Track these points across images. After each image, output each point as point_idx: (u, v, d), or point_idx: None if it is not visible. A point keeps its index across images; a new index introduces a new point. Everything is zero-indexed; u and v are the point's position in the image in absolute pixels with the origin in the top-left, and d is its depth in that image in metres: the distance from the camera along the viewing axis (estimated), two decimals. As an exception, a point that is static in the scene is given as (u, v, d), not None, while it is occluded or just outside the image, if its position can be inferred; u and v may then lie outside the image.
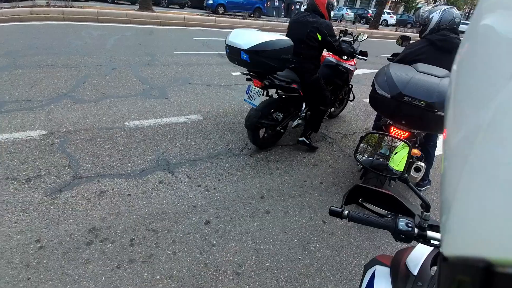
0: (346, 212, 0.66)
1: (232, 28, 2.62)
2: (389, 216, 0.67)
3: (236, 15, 13.87)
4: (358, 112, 3.97)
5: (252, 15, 15.87)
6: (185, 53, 5.80)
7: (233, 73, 4.83)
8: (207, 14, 13.16)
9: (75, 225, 1.68)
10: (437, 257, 0.68)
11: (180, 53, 5.74)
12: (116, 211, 1.81)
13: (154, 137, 2.66)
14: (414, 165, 1.82)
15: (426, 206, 0.65)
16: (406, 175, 0.75)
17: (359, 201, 0.71)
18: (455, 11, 2.06)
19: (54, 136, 2.49)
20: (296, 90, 2.44)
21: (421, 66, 1.84)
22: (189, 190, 2.07)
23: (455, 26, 2.05)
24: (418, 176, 1.82)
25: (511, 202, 0.15)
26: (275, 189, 2.21)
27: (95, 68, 4.27)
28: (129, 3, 15.20)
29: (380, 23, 17.89)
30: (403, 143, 0.84)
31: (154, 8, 10.70)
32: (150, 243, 1.62)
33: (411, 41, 2.54)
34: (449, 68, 1.78)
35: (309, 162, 2.63)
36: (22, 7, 7.64)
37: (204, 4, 16.32)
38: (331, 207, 0.68)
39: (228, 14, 14.64)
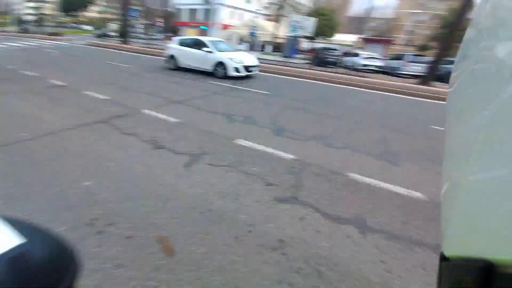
0: None
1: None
2: None
3: None
4: None
5: None
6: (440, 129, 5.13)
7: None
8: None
9: (270, 230, 2.12)
10: None
11: (436, 128, 5.18)
12: (302, 238, 2.05)
13: (365, 195, 2.66)
14: None
15: None
16: None
17: None
18: None
19: (298, 163, 3.26)
20: None
21: None
22: (369, 259, 1.87)
23: None
24: None
25: (511, 203, 0.15)
26: None
27: (352, 124, 5.00)
28: (411, 77, 15.84)
29: None
30: None
31: (437, 83, 10.38)
32: (311, 281, 1.68)
33: None
34: None
35: None
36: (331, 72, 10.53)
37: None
38: None
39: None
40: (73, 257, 0.53)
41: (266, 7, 33.55)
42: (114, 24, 36.85)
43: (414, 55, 17.69)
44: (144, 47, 19.57)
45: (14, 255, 0.42)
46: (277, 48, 26.24)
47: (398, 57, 17.40)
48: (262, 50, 26.36)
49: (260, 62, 13.56)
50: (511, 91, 0.17)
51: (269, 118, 5.03)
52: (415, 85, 9.65)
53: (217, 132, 4.17)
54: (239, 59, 9.24)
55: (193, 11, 36.49)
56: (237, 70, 9.03)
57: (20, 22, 47.09)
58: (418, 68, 15.14)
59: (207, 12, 28.94)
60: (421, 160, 3.64)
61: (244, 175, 2.91)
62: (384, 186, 2.88)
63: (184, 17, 37.87)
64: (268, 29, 29.70)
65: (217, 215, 2.23)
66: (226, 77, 9.08)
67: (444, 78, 15.60)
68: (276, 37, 28.06)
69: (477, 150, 0.19)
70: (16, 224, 0.49)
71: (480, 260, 0.16)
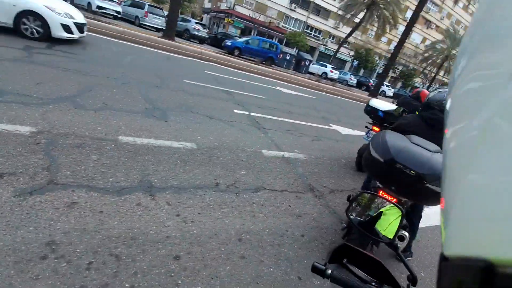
0: (329, 271, 0.61)
1: (243, 69, 2.77)
2: (373, 284, 0.62)
3: (249, 60, 14.77)
4: (349, 170, 4.01)
5: (264, 62, 16.94)
6: (195, 83, 6.02)
7: (235, 111, 4.96)
8: (223, 53, 14.02)
9: (34, 234, 1.54)
10: None
11: (190, 82, 5.96)
12: (82, 227, 1.68)
13: (143, 157, 2.61)
14: (398, 234, 1.79)
15: (413, 279, 0.61)
16: (397, 242, 0.72)
17: (343, 261, 0.67)
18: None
19: (43, 136, 2.43)
20: None
21: (415, 138, 1.92)
22: (166, 218, 1.97)
23: (443, 107, 2.20)
24: (402, 245, 1.77)
25: (511, 203, 0.15)
26: (254, 234, 2.11)
27: (105, 79, 4.37)
28: (154, 30, 16.22)
29: (379, 92, 19.15)
30: (393, 206, 0.82)
31: (176, 38, 11.41)
32: (109, 270, 1.48)
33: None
34: (438, 143, 1.87)
35: (294, 212, 2.57)
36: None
37: (222, 45, 17.51)
38: (314, 263, 0.63)
39: (242, 57, 15.59)
40: None
41: None
42: None
43: (150, 5, 17.85)
44: None
45: None
46: None
47: (137, 5, 16.77)
48: None
49: None
50: (511, 91, 0.17)
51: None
52: (161, 39, 9.98)
53: None
54: (65, 11, 5.61)
55: None
56: (67, 29, 5.61)
57: None
58: (158, 21, 15.66)
59: None
60: (185, 114, 4.04)
61: None
62: (159, 143, 2.94)
63: None
64: None
65: None
66: (47, 38, 5.13)
67: (182, 34, 17.48)
68: None
69: (477, 150, 0.20)
70: None
71: (480, 260, 0.16)
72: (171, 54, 9.14)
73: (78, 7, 9.54)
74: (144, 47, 8.68)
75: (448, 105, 0.29)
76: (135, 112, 3.53)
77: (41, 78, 3.65)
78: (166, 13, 15.07)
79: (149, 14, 16.15)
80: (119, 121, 3.13)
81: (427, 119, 2.14)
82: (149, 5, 17.25)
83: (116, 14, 15.22)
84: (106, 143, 2.62)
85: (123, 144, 2.71)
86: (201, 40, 19.01)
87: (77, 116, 2.96)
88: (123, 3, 17.61)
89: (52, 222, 1.65)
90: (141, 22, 16.09)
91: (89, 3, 14.16)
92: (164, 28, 13.01)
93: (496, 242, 0.16)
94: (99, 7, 14.05)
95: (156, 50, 8.82)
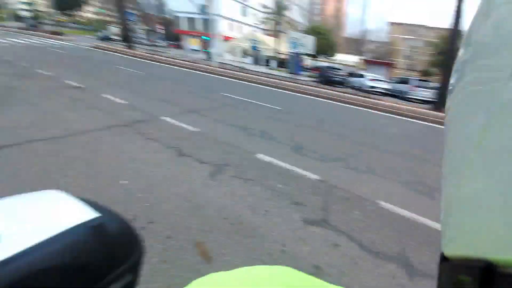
0: None
1: None
2: None
3: None
4: None
5: None
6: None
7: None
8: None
9: (307, 254, 2.03)
10: None
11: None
12: (338, 268, 1.94)
13: (400, 228, 2.57)
14: None
15: None
16: None
17: None
18: None
19: (323, 184, 3.18)
20: None
21: None
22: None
23: None
24: None
25: (511, 202, 0.15)
26: None
27: (371, 147, 4.97)
28: (420, 102, 15.98)
29: None
30: None
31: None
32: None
33: None
34: None
35: None
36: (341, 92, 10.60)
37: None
38: None
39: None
40: (138, 237, 0.64)
41: (263, 22, 33.82)
42: (115, 28, 36.08)
43: (419, 80, 17.98)
44: (149, 53, 19.47)
45: (94, 224, 0.52)
46: (281, 63, 26.58)
47: (404, 81, 17.64)
48: (268, 65, 26.74)
49: (268, 77, 13.81)
50: (511, 92, 0.16)
51: (286, 134, 4.99)
52: (429, 111, 9.60)
53: (236, 144, 4.13)
54: None
55: (191, 20, 36.24)
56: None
57: (17, 17, 47.10)
58: (426, 94, 15.35)
59: (206, 22, 29.21)
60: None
61: (270, 191, 2.86)
62: (421, 220, 2.70)
63: (183, 26, 37.76)
64: (269, 43, 30.06)
65: (249, 229, 2.22)
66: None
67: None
68: (278, 53, 28.27)
69: (477, 150, 0.19)
70: (89, 203, 0.60)
71: (480, 260, 0.16)
72: (439, 126, 8.45)
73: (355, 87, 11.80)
74: (411, 120, 8.67)
75: (448, 105, 0.28)
76: (398, 181, 3.63)
77: (328, 144, 4.88)
78: (433, 84, 14.44)
79: (416, 87, 16.34)
80: (380, 186, 3.37)
81: None
82: (418, 79, 17.51)
83: (385, 92, 16.93)
84: (368, 204, 2.91)
85: (382, 208, 2.85)
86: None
87: (347, 174, 3.59)
88: (391, 81, 19.27)
89: (320, 252, 2.07)
90: (406, 96, 16.56)
91: (361, 84, 16.98)
92: (432, 100, 12.52)
93: (496, 242, 0.16)
94: (371, 87, 16.38)
95: (421, 122, 8.51)
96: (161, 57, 17.57)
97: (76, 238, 0.49)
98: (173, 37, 40.01)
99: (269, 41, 30.66)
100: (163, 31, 32.91)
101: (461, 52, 0.27)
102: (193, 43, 36.18)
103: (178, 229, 2.13)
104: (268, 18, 28.49)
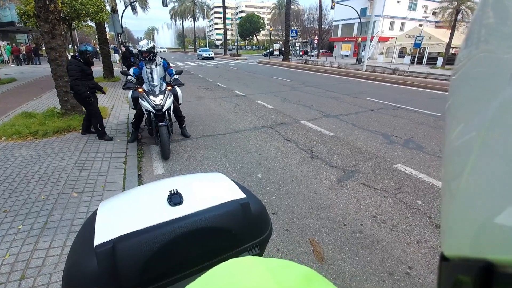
0: None
1: None
2: None
3: None
4: None
5: None
6: None
7: None
8: None
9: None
10: None
11: None
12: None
13: None
14: None
15: None
16: None
17: None
18: None
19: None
20: None
21: None
22: None
23: None
24: None
25: (511, 202, 0.15)
26: None
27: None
28: None
29: None
30: None
31: None
32: None
33: None
34: None
35: None
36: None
37: None
38: None
39: None
40: (270, 220, 0.78)
41: (436, 13, 27.50)
42: (277, 44, 42.08)
43: None
44: (300, 63, 21.17)
45: (242, 202, 0.68)
46: (450, 60, 20.97)
47: None
48: (433, 64, 22.04)
49: (427, 78, 11.62)
50: (511, 91, 0.17)
51: (440, 144, 4.10)
52: None
53: (372, 151, 3.88)
54: None
55: (347, 26, 35.76)
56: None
57: (213, 45, 62.27)
58: None
59: (363, 25, 27.46)
60: None
61: (404, 206, 2.57)
62: None
63: (339, 33, 37.84)
64: (440, 38, 24.29)
65: (369, 240, 2.11)
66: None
67: None
68: (451, 47, 22.10)
69: (477, 150, 0.19)
70: (240, 186, 0.78)
71: (480, 260, 0.16)
72: None
73: None
74: None
75: (448, 104, 0.28)
76: None
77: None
78: None
79: None
80: None
81: None
82: None
83: None
84: None
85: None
86: None
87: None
88: None
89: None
90: None
91: None
92: None
93: (496, 242, 0.16)
94: None
95: None
96: (310, 65, 18.63)
97: (230, 209, 0.66)
98: (326, 46, 41.68)
99: (440, 34, 25.26)
100: (316, 41, 34.46)
101: (462, 49, 0.28)
102: (344, 49, 35.79)
103: (297, 225, 2.26)
104: (443, 7, 23.21)
